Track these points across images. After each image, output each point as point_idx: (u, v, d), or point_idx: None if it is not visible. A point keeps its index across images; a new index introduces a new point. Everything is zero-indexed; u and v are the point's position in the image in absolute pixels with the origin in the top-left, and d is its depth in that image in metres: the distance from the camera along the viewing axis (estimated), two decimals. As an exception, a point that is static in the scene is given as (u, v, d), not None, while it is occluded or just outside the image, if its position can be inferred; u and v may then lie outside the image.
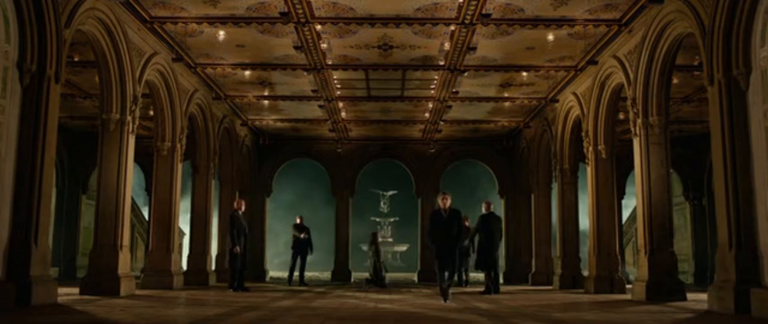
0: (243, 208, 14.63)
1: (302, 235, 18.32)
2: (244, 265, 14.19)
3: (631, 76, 12.14)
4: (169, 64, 13.84)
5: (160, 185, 14.55)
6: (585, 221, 15.94)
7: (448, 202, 11.05)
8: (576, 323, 7.69)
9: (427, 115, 19.21)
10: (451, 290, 11.28)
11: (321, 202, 28.73)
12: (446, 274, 11.01)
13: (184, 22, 12.07)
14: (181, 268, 16.09)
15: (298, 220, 18.93)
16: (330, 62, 14.32)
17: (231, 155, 19.54)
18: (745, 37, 8.66)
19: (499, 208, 22.39)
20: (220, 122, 17.97)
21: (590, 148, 14.46)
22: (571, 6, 11.18)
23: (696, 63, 13.23)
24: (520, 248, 21.62)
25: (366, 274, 18.45)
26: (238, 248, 13.87)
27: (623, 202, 22.56)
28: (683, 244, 22.07)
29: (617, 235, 15.10)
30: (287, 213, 32.31)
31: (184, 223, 18.62)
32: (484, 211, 14.07)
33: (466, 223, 16.08)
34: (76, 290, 11.63)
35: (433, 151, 23.17)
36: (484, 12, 11.34)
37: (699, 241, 22.18)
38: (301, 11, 11.41)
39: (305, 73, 15.04)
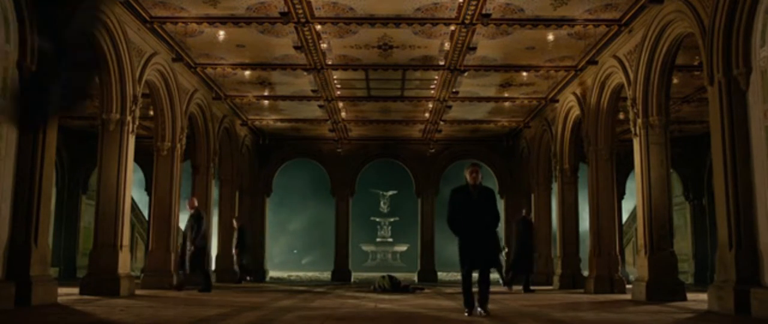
0: (195, 204, 14.17)
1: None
2: (183, 264, 13.81)
3: (631, 76, 12.14)
4: (169, 64, 13.84)
5: (160, 185, 14.55)
6: (585, 221, 15.96)
7: (479, 178, 8.36)
8: (576, 323, 7.69)
9: (427, 115, 19.21)
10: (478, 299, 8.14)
11: (321, 202, 28.74)
12: (475, 275, 8.15)
13: (184, 22, 12.07)
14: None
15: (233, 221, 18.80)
16: (330, 62, 14.32)
17: (231, 155, 19.54)
18: (745, 37, 8.66)
19: (499, 207, 22.38)
20: (220, 122, 17.98)
21: (590, 148, 14.46)
22: (571, 6, 11.18)
23: (696, 63, 13.24)
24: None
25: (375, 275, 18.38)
26: (190, 247, 13.70)
27: (623, 202, 22.56)
28: (683, 244, 22.07)
29: (617, 235, 15.10)
30: (288, 213, 32.41)
31: (183, 223, 18.58)
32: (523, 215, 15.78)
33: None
34: (76, 290, 11.63)
35: (433, 151, 23.17)
36: (484, 12, 11.34)
37: (699, 241, 22.18)
38: (301, 11, 11.41)
39: (305, 73, 15.04)
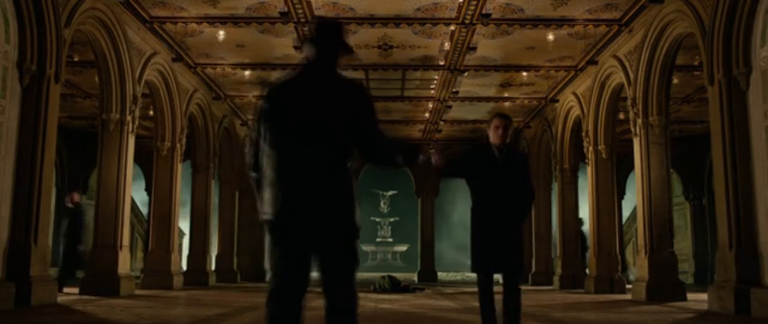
0: (75, 199, 13.24)
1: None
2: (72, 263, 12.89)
3: (631, 76, 12.14)
4: (169, 64, 13.84)
5: (160, 185, 14.55)
6: (585, 221, 15.96)
7: (508, 137, 5.55)
8: (576, 323, 7.69)
9: (427, 115, 19.21)
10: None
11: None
12: (496, 280, 5.33)
13: (183, 22, 12.06)
14: (181, 268, 16.09)
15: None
16: (330, 62, 14.29)
17: (231, 155, 19.53)
18: (745, 37, 8.66)
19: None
20: (220, 122, 17.97)
21: (590, 148, 14.46)
22: (571, 6, 11.17)
23: (696, 63, 13.23)
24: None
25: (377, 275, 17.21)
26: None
27: (623, 202, 22.54)
28: (683, 244, 22.05)
29: (617, 235, 15.10)
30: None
31: (184, 223, 18.60)
32: None
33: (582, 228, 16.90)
34: (76, 290, 11.63)
35: (433, 151, 23.10)
36: (484, 12, 11.34)
37: (699, 241, 22.15)
38: (301, 11, 11.40)
39: (305, 73, 15.01)
